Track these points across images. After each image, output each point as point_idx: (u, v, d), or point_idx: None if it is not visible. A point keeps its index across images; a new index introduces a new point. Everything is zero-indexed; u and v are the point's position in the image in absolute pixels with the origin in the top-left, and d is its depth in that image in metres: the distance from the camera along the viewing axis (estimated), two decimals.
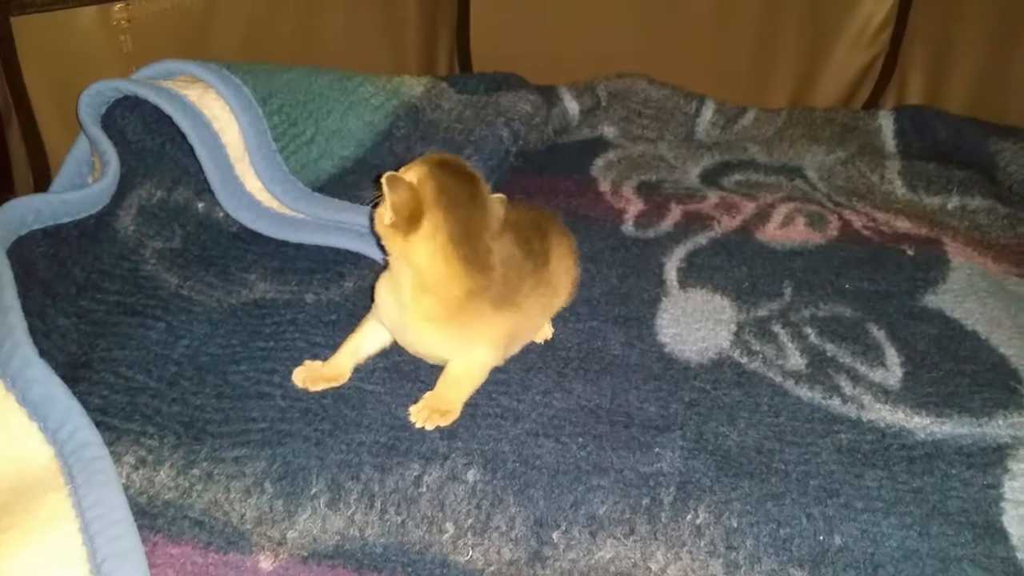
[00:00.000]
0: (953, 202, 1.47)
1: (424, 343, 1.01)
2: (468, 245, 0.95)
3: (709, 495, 0.89)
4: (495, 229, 0.98)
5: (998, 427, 0.97)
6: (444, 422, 0.98)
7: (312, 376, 1.03)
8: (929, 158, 1.60)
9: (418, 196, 0.94)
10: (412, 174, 0.96)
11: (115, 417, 0.96)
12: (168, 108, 1.20)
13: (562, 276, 1.10)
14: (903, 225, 1.38)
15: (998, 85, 1.69)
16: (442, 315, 0.97)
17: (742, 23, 1.85)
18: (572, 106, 1.69)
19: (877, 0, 1.79)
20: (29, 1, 1.24)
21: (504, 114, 1.48)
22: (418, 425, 0.97)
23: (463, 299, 0.96)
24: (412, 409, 0.99)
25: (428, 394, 1.00)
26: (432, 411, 0.98)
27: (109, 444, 0.89)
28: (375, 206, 0.98)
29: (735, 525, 0.86)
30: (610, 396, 1.02)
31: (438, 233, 0.94)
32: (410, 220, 0.93)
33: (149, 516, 0.86)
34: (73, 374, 1.00)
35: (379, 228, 0.98)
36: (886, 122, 1.71)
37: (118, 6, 1.32)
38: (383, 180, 0.93)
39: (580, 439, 0.95)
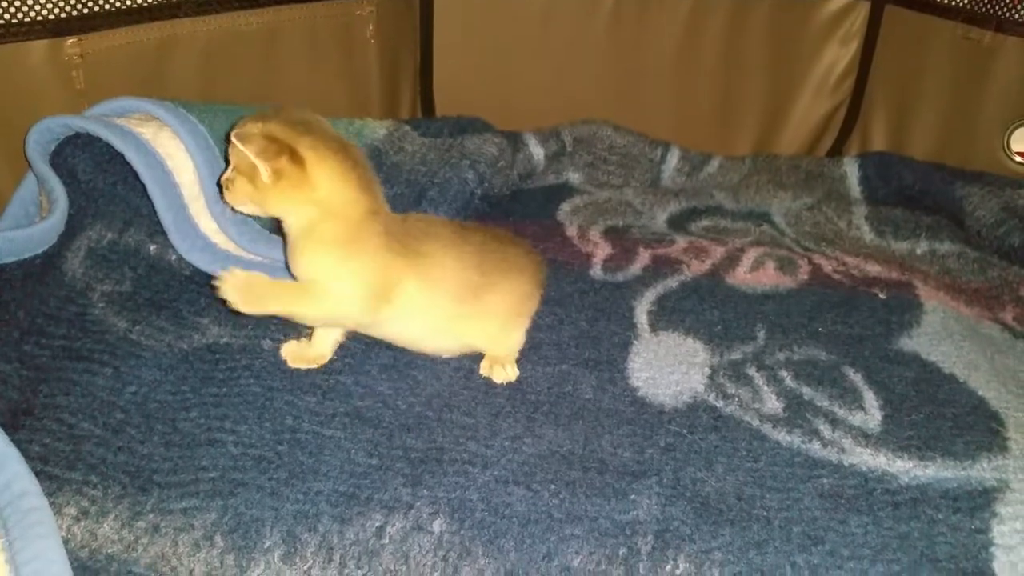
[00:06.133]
0: (922, 247, 1.46)
1: (302, 263, 0.98)
2: (346, 155, 0.95)
3: (689, 544, 0.84)
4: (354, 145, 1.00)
5: (983, 470, 0.94)
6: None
7: (295, 354, 1.07)
8: (895, 204, 1.60)
9: (275, 136, 0.92)
10: (253, 127, 0.93)
11: (57, 466, 0.90)
12: (120, 146, 1.16)
13: (507, 274, 1.08)
14: (873, 269, 1.36)
15: (961, 131, 1.69)
16: (339, 237, 0.95)
17: (706, 71, 1.86)
18: (537, 151, 1.67)
19: (840, 48, 1.81)
20: None
21: (469, 156, 1.45)
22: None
23: (361, 221, 0.96)
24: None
25: None
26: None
27: (49, 494, 0.84)
28: (226, 189, 0.97)
29: (717, 575, 0.82)
30: (582, 441, 0.97)
31: (321, 152, 0.93)
32: (291, 159, 0.92)
33: (91, 571, 0.80)
34: (13, 421, 0.95)
35: (265, 198, 0.95)
36: (851, 168, 1.71)
37: (71, 40, 1.28)
38: (233, 139, 0.90)
39: (552, 486, 0.90)
